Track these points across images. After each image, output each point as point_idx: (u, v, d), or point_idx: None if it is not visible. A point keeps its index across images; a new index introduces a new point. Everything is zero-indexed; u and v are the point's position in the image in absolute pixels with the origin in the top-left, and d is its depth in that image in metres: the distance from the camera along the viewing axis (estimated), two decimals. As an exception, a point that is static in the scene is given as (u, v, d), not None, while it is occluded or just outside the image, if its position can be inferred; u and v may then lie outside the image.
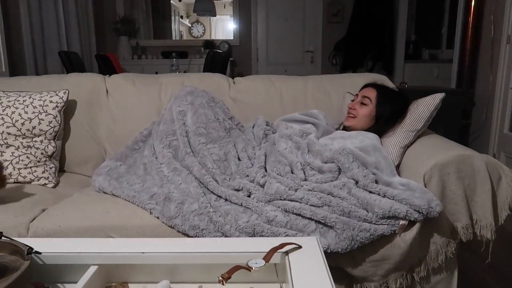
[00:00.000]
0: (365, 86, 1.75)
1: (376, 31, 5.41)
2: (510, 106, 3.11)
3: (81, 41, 4.76)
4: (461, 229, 1.31)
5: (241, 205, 1.34)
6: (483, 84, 3.42)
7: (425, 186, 1.30)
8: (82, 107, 1.88)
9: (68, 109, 1.83)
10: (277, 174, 1.44)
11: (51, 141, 1.72)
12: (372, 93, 1.67)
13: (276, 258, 0.94)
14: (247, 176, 1.49)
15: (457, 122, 3.32)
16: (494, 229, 1.30)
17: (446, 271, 1.35)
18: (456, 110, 3.28)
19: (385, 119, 1.63)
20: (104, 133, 1.90)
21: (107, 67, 4.02)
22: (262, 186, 1.41)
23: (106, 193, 1.49)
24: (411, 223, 1.23)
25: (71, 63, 3.82)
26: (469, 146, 3.41)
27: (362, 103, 1.67)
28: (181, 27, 6.29)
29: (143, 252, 0.95)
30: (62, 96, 1.75)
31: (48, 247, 0.96)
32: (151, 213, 1.33)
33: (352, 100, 1.74)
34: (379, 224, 1.21)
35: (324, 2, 5.54)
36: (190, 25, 6.17)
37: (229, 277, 0.83)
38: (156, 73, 5.00)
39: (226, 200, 1.39)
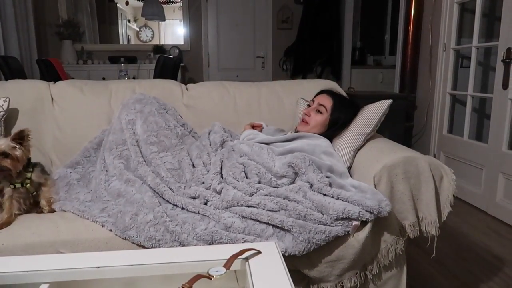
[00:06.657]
0: (321, 92, 1.79)
1: (324, 38, 5.59)
2: (448, 109, 3.34)
3: (20, 45, 4.48)
4: (408, 226, 1.39)
5: (198, 213, 1.33)
6: (424, 88, 3.65)
7: (375, 187, 1.37)
8: (25, 115, 1.78)
9: (9, 118, 1.72)
10: (233, 178, 1.44)
11: (-9, 152, 1.60)
12: (328, 102, 1.71)
13: (236, 265, 0.94)
14: (203, 183, 1.48)
15: (401, 124, 3.51)
16: (438, 226, 1.39)
17: (396, 267, 1.42)
18: (400, 114, 3.46)
19: (337, 127, 1.69)
20: (49, 143, 1.80)
21: (50, 73, 3.82)
22: (219, 193, 1.41)
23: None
24: (363, 223, 1.28)
25: (10, 69, 3.58)
26: (412, 147, 3.62)
27: (318, 111, 1.71)
28: (128, 31, 6.11)
29: (98, 267, 0.91)
30: (2, 104, 1.65)
31: (-8, 267, 0.90)
32: (103, 226, 1.29)
33: (308, 105, 1.78)
34: (333, 226, 1.25)
35: (274, 8, 5.64)
36: (138, 29, 6.02)
37: (191, 287, 0.82)
38: (104, 78, 4.86)
39: (182, 208, 1.37)
